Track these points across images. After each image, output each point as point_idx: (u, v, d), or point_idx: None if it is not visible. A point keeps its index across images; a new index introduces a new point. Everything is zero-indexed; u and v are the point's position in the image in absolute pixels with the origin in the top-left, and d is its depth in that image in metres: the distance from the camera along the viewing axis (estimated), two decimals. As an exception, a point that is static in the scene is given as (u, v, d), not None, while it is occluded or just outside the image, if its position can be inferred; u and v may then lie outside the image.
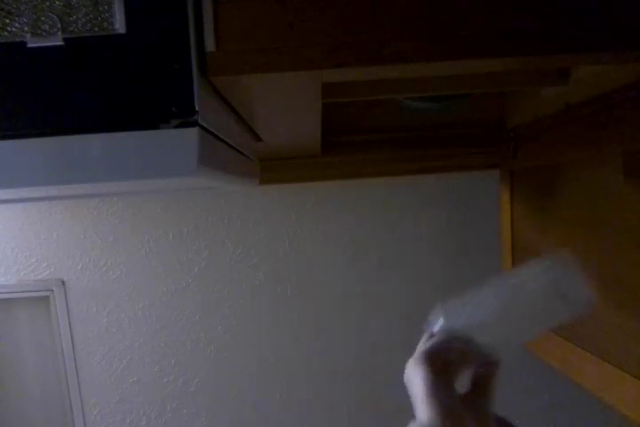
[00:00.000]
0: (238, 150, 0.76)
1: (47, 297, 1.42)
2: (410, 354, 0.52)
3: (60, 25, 0.45)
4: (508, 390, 1.41)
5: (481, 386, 0.54)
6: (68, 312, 1.42)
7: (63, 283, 1.41)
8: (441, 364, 0.50)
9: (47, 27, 0.45)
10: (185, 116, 0.46)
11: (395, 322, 1.44)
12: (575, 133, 0.93)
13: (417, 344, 0.54)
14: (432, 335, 0.54)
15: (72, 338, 1.43)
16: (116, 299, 1.43)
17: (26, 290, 1.41)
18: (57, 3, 0.45)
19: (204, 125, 0.48)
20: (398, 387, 0.53)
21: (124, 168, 0.46)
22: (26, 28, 0.45)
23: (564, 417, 1.48)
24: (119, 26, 0.45)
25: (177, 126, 0.46)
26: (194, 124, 0.46)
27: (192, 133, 0.46)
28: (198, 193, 1.41)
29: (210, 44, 0.49)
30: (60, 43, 0.45)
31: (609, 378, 0.85)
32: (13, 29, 0.45)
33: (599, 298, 0.87)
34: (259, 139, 0.97)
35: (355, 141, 1.30)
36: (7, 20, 0.45)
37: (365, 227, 1.43)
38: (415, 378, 0.50)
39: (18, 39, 0.45)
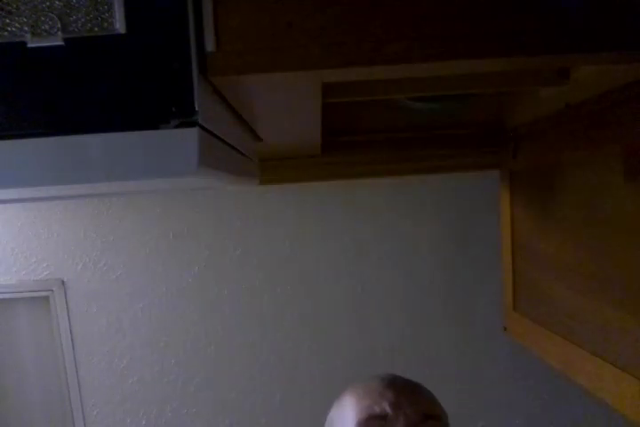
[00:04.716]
0: (238, 150, 0.76)
1: (47, 297, 1.42)
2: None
3: (59, 25, 0.45)
4: (509, 391, 1.41)
5: None
6: (68, 312, 1.42)
7: (63, 283, 1.41)
8: None
9: (47, 27, 0.45)
10: (185, 116, 0.46)
11: (394, 322, 1.44)
12: (575, 133, 0.93)
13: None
14: None
15: (72, 338, 1.43)
16: (116, 299, 1.43)
17: (26, 290, 1.41)
18: (57, 3, 0.45)
19: (204, 125, 0.48)
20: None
21: (124, 168, 0.46)
22: (26, 28, 0.45)
23: (564, 417, 1.48)
24: (119, 26, 0.45)
25: (177, 126, 0.46)
26: (194, 124, 0.46)
27: (192, 133, 0.46)
28: (198, 193, 1.40)
29: (210, 44, 0.49)
30: (60, 43, 0.45)
31: (609, 378, 0.85)
32: (13, 29, 0.45)
33: (599, 298, 0.87)
34: (259, 139, 0.97)
35: (355, 141, 1.30)
36: (7, 20, 0.45)
37: (365, 227, 1.43)
38: None
39: (18, 39, 0.45)
